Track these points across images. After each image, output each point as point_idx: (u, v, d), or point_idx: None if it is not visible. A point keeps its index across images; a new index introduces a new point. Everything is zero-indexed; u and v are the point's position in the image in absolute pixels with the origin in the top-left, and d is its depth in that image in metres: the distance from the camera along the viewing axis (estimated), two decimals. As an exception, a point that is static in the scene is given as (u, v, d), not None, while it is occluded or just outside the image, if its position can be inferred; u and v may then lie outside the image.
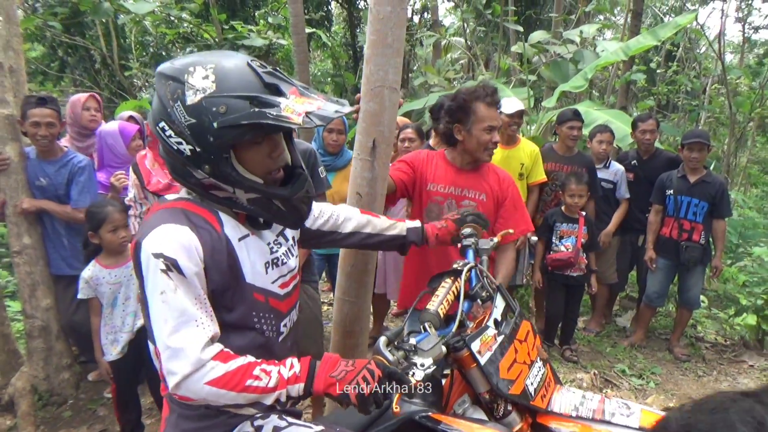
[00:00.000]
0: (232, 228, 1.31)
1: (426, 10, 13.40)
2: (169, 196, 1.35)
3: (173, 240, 1.18)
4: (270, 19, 9.36)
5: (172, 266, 1.16)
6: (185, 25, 9.83)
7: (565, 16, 8.00)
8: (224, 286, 1.27)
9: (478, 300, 1.60)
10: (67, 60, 10.43)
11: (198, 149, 1.18)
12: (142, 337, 2.64)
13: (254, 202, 1.28)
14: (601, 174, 4.35)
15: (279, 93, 1.19)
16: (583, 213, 4.02)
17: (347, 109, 1.26)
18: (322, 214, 1.72)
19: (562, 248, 3.99)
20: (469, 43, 12.57)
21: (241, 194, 1.26)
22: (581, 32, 6.23)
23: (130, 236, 2.63)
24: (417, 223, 1.87)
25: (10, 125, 3.01)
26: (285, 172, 1.34)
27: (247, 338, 1.34)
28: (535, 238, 4.19)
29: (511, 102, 3.99)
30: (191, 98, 1.15)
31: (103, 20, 8.74)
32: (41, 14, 8.75)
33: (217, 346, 1.20)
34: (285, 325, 1.47)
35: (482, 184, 2.45)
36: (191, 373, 1.13)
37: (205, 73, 1.16)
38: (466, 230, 1.84)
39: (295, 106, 1.17)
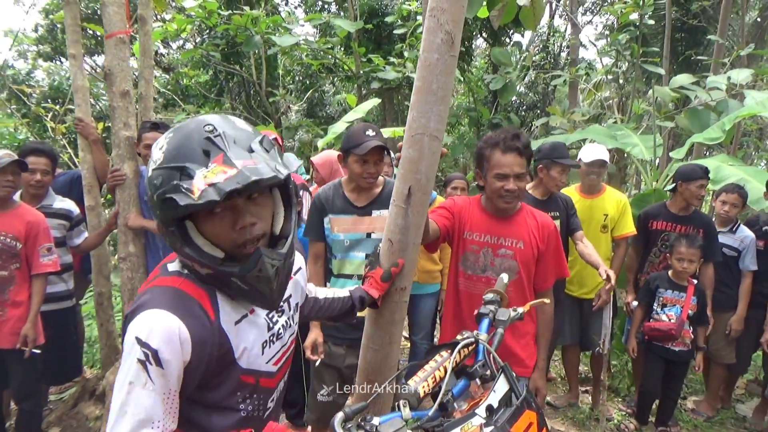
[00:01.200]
0: (228, 310, 1.23)
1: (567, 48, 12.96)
2: (170, 266, 1.26)
3: (160, 329, 1.10)
4: (406, 53, 9.66)
5: (152, 357, 1.09)
6: (329, 57, 10.49)
7: (717, 60, 7.25)
8: (210, 375, 1.20)
9: (477, 379, 1.44)
10: (224, 85, 11.64)
11: (159, 222, 1.15)
12: None
13: (212, 279, 1.19)
14: (723, 239, 3.83)
15: (202, 160, 1.09)
16: (694, 281, 3.56)
17: (268, 174, 1.08)
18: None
19: (664, 317, 3.55)
20: (620, 83, 11.90)
21: (199, 269, 1.17)
22: (729, 78, 5.59)
23: None
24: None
25: (129, 146, 3.40)
26: (274, 241, 1.25)
27: (230, 419, 1.28)
28: (635, 303, 3.79)
29: (593, 149, 3.73)
30: (149, 171, 1.14)
31: (256, 51, 9.64)
32: (205, 46, 9.87)
33: None
34: (273, 400, 1.41)
35: (519, 231, 2.37)
36: None
37: (162, 143, 1.14)
38: (488, 296, 1.71)
39: (208, 178, 1.06)
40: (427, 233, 2.26)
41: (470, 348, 1.48)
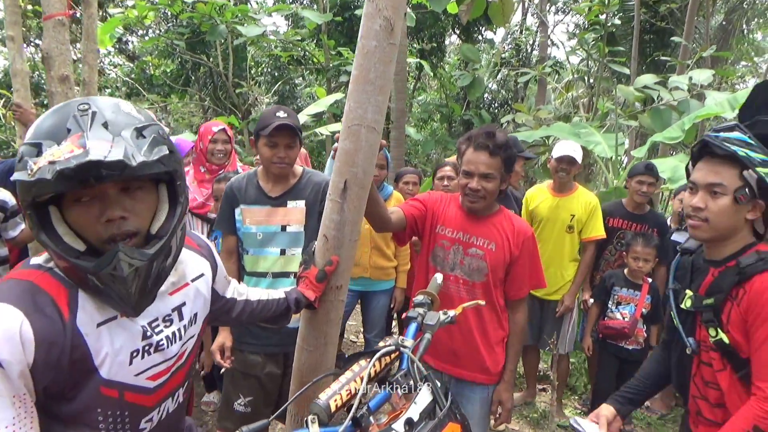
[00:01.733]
0: (91, 310, 1.10)
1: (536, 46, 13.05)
2: (33, 259, 1.14)
3: (3, 327, 0.98)
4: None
5: None
6: (299, 49, 10.33)
7: (681, 62, 7.32)
8: (63, 383, 1.07)
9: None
10: (191, 76, 11.37)
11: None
12: None
13: (68, 273, 1.07)
14: (678, 237, 3.83)
15: (61, 138, 1.00)
16: (649, 280, 3.55)
17: (113, 157, 0.96)
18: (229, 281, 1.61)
19: (618, 316, 3.53)
20: (590, 82, 11.98)
21: (57, 261, 1.06)
22: (690, 78, 5.64)
23: None
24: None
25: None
26: (146, 243, 1.13)
27: None
28: (591, 301, 3.77)
29: (563, 146, 3.67)
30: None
31: (222, 41, 9.42)
32: (168, 34, 9.62)
33: None
34: (149, 420, 1.25)
35: (493, 232, 2.27)
36: None
37: (38, 119, 1.05)
38: (418, 297, 1.63)
39: (54, 155, 0.96)
40: (388, 222, 2.19)
41: (392, 356, 1.38)
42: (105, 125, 1.02)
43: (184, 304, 1.31)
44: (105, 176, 0.96)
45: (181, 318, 1.29)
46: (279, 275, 2.46)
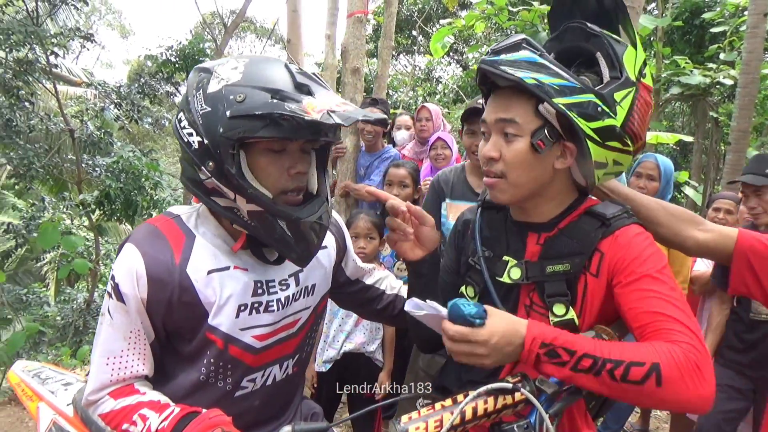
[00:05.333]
0: (204, 257, 1.15)
1: None
2: (173, 208, 1.25)
3: (123, 262, 1.11)
4: (722, 56, 8.08)
5: (113, 290, 1.11)
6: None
7: None
8: (179, 322, 1.16)
9: None
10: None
11: (206, 141, 1.06)
12: (348, 363, 2.64)
13: (255, 217, 1.11)
14: None
15: (307, 93, 1.07)
16: None
17: (378, 115, 1.16)
18: (371, 270, 1.53)
19: None
20: None
21: (242, 204, 1.10)
22: None
23: (372, 251, 2.59)
24: None
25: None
26: (304, 200, 1.18)
27: (189, 380, 1.19)
28: None
29: None
30: (213, 87, 1.07)
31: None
32: (490, 42, 9.94)
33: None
34: (252, 381, 1.25)
35: None
36: (90, 402, 1.14)
37: (235, 64, 1.10)
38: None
39: (319, 104, 1.03)
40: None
41: (516, 398, 1.05)
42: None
43: (301, 270, 1.30)
44: (325, 134, 1.10)
45: (297, 284, 1.29)
46: None
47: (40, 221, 6.20)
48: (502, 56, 1.10)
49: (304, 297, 1.31)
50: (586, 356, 0.98)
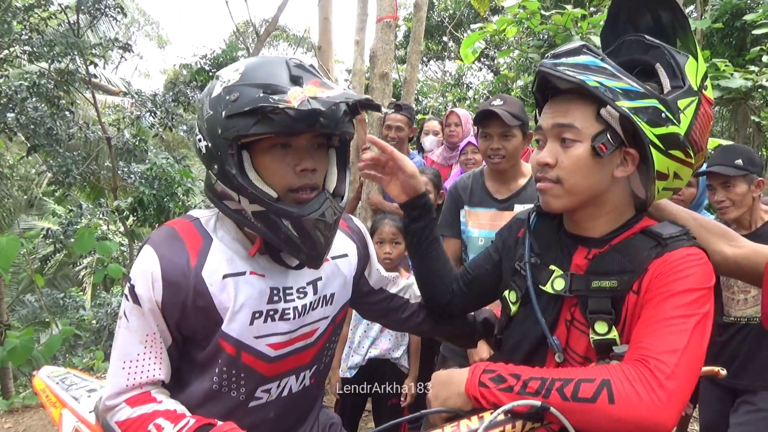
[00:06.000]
0: (219, 261, 1.12)
1: None
2: (193, 211, 1.24)
3: (140, 264, 1.09)
4: (765, 58, 7.77)
5: (129, 293, 1.09)
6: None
7: None
8: (194, 327, 1.13)
9: None
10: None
11: (210, 144, 1.06)
12: (374, 369, 2.62)
13: (259, 218, 1.08)
14: None
15: (295, 83, 1.04)
16: None
17: (358, 96, 1.05)
18: (395, 279, 1.48)
19: None
20: None
21: (246, 205, 1.07)
22: None
23: (398, 256, 2.56)
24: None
25: (380, 126, 3.57)
26: None
27: (202, 388, 1.15)
28: None
29: None
30: (216, 90, 1.07)
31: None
32: (523, 47, 9.82)
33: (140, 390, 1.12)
34: (267, 391, 1.20)
35: None
36: (107, 407, 1.12)
37: (237, 66, 1.09)
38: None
39: (304, 93, 1.00)
40: None
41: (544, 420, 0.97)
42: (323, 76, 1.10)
43: (320, 278, 1.25)
44: (322, 125, 1.02)
45: (315, 292, 1.24)
46: None
47: (77, 227, 6.37)
48: (563, 59, 1.06)
49: (322, 306, 1.26)
50: (533, 379, 0.94)
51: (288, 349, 1.20)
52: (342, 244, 1.34)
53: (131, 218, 6.47)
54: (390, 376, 2.61)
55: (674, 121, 1.03)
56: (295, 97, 0.98)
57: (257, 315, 1.14)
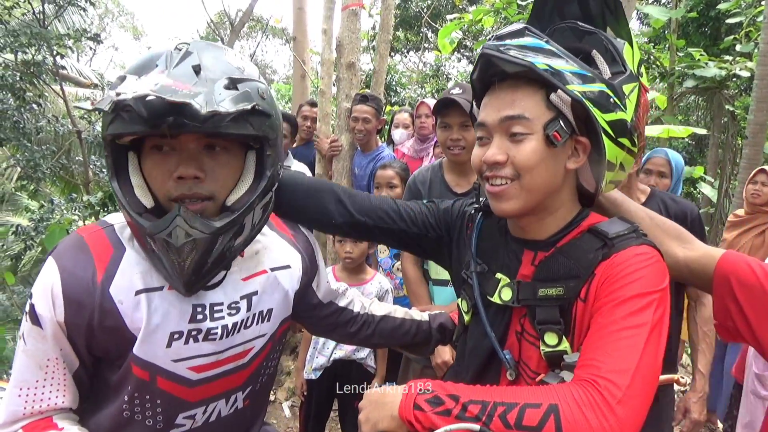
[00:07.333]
0: (132, 276, 0.99)
1: None
2: (111, 216, 1.10)
3: (42, 279, 0.97)
4: (738, 47, 7.84)
5: (29, 312, 0.97)
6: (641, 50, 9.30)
7: None
8: (105, 348, 1.01)
9: None
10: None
11: None
12: (339, 370, 2.58)
13: (132, 231, 0.99)
14: None
15: (135, 73, 0.92)
16: None
17: (181, 99, 0.83)
18: (343, 291, 1.40)
19: None
20: None
21: (122, 214, 0.99)
22: None
23: (359, 255, 2.54)
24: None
25: (347, 118, 3.50)
26: (221, 212, 1.00)
27: (110, 414, 1.03)
28: None
29: None
30: None
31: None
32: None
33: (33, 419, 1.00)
34: (191, 418, 1.09)
35: None
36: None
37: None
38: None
39: (133, 86, 0.87)
40: None
41: None
42: (196, 68, 0.92)
43: (255, 293, 1.13)
44: (180, 124, 0.86)
45: (249, 308, 1.12)
46: None
47: (49, 223, 6.21)
48: (507, 41, 0.98)
49: (257, 323, 1.14)
50: (472, 402, 0.86)
51: (214, 372, 1.09)
52: (284, 254, 1.22)
53: (101, 213, 6.33)
54: (356, 376, 2.57)
55: (621, 106, 0.98)
56: (110, 94, 0.86)
57: (176, 336, 1.02)
